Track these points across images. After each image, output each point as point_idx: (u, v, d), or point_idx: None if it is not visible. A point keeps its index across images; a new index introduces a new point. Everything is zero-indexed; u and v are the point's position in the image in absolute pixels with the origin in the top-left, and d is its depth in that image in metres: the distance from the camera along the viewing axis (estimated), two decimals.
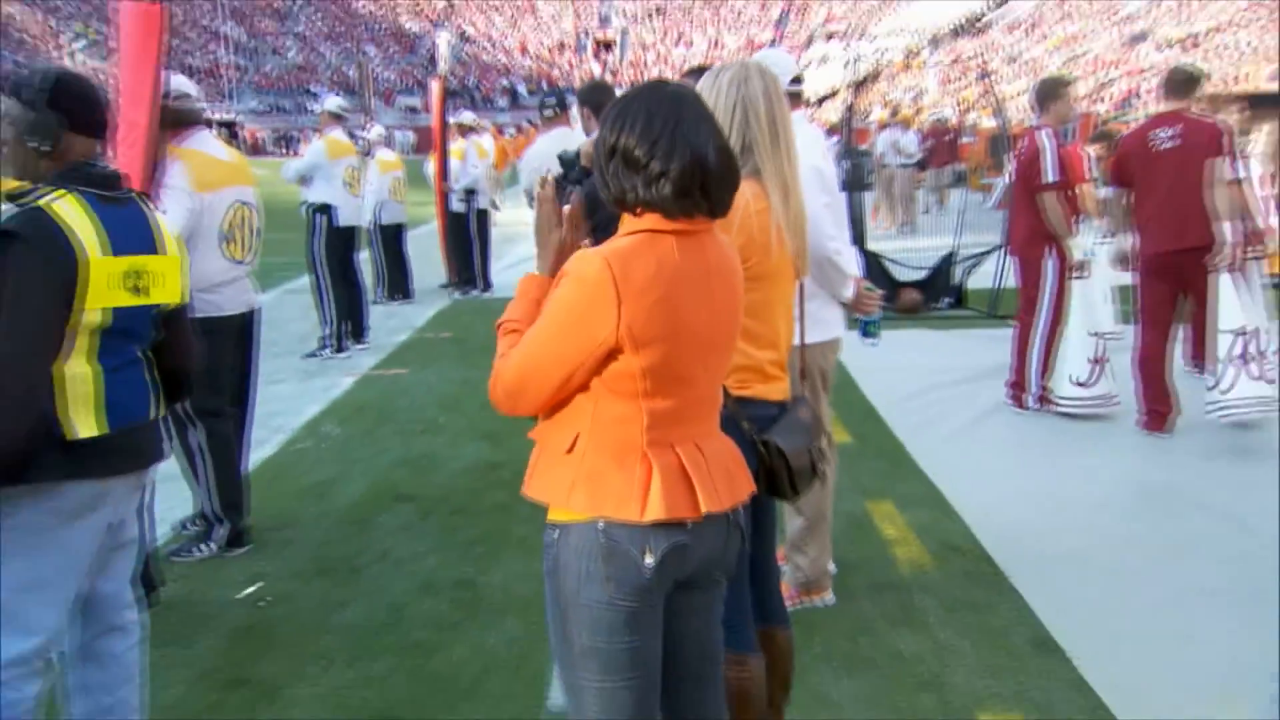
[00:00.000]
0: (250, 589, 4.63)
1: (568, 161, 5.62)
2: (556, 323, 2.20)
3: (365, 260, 10.68)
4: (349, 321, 9.73)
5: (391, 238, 12.13)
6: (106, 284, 2.73)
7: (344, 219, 9.56)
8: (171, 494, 5.43)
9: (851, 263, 4.10)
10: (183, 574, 4.79)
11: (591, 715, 2.30)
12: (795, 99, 4.04)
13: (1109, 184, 7.16)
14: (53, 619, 2.80)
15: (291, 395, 8.07)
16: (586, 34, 68.34)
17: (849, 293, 4.05)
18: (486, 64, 65.72)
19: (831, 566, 4.60)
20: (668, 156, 2.18)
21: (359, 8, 71.24)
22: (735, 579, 2.93)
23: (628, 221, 2.26)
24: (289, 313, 11.43)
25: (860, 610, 4.39)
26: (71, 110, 2.83)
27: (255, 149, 55.30)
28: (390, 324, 11.00)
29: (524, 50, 67.06)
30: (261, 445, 6.69)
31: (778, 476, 2.91)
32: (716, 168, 2.22)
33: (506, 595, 4.53)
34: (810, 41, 62.09)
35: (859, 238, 11.06)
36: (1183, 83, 6.66)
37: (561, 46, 66.96)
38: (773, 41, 64.00)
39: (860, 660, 3.99)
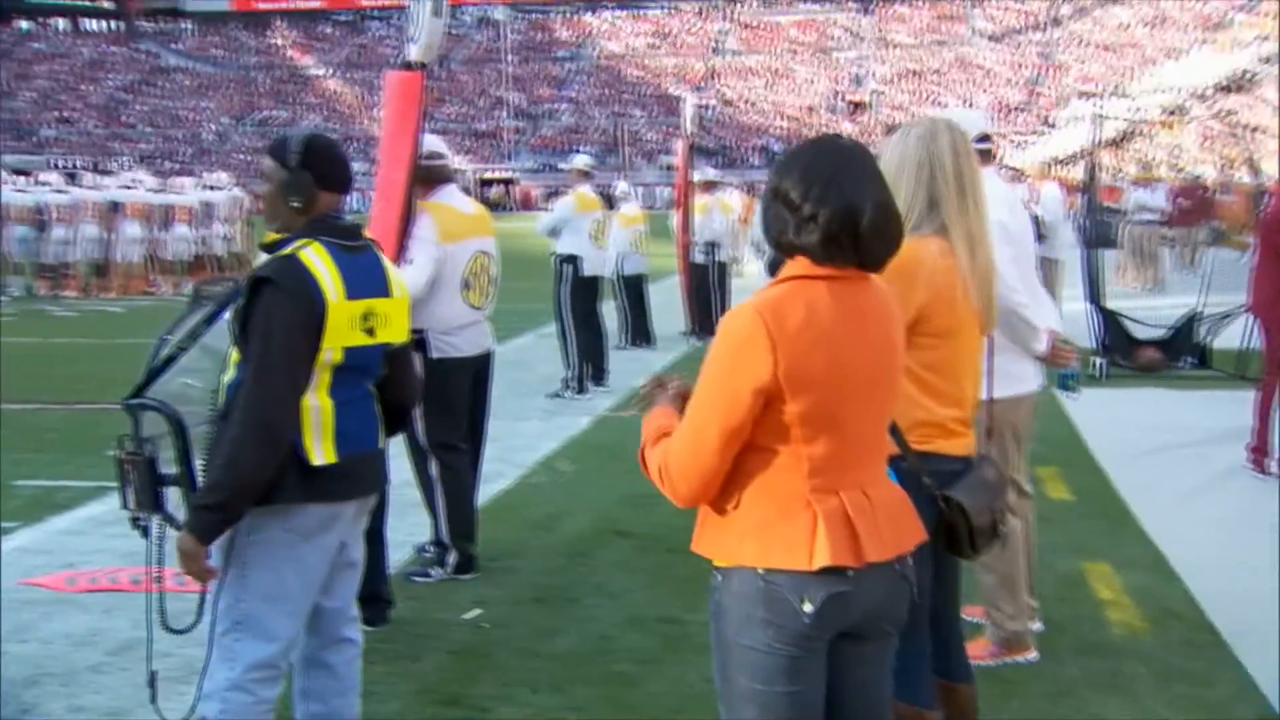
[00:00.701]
0: (473, 613, 4.95)
1: None
2: (714, 378, 2.27)
3: (612, 308, 11.12)
4: (590, 365, 10.18)
5: (633, 287, 12.58)
6: (345, 325, 3.04)
7: (589, 269, 10.06)
8: (417, 520, 5.85)
9: (1041, 315, 4.09)
10: (415, 595, 5.17)
11: None
12: (984, 156, 4.09)
13: None
14: (290, 628, 3.10)
15: (532, 433, 8.52)
16: (839, 96, 68.44)
17: (1040, 346, 4.05)
18: (743, 125, 66.82)
19: (1038, 625, 4.53)
20: (820, 202, 2.25)
21: (627, 74, 73.99)
22: (913, 631, 2.97)
23: (786, 267, 2.35)
24: (540, 355, 12.02)
25: (1064, 673, 4.29)
26: (321, 170, 3.13)
27: (526, 204, 58.25)
28: (631, 368, 11.38)
29: (780, 113, 67.81)
30: (500, 479, 7.12)
31: (957, 533, 2.92)
32: (870, 222, 2.26)
33: (709, 634, 4.66)
34: (1064, 101, 59.90)
35: (1095, 294, 10.74)
36: None
37: (813, 109, 67.28)
38: (1025, 103, 62.31)
39: None
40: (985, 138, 4.18)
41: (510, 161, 65.92)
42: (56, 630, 4.77)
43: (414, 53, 5.36)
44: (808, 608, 2.26)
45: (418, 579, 5.35)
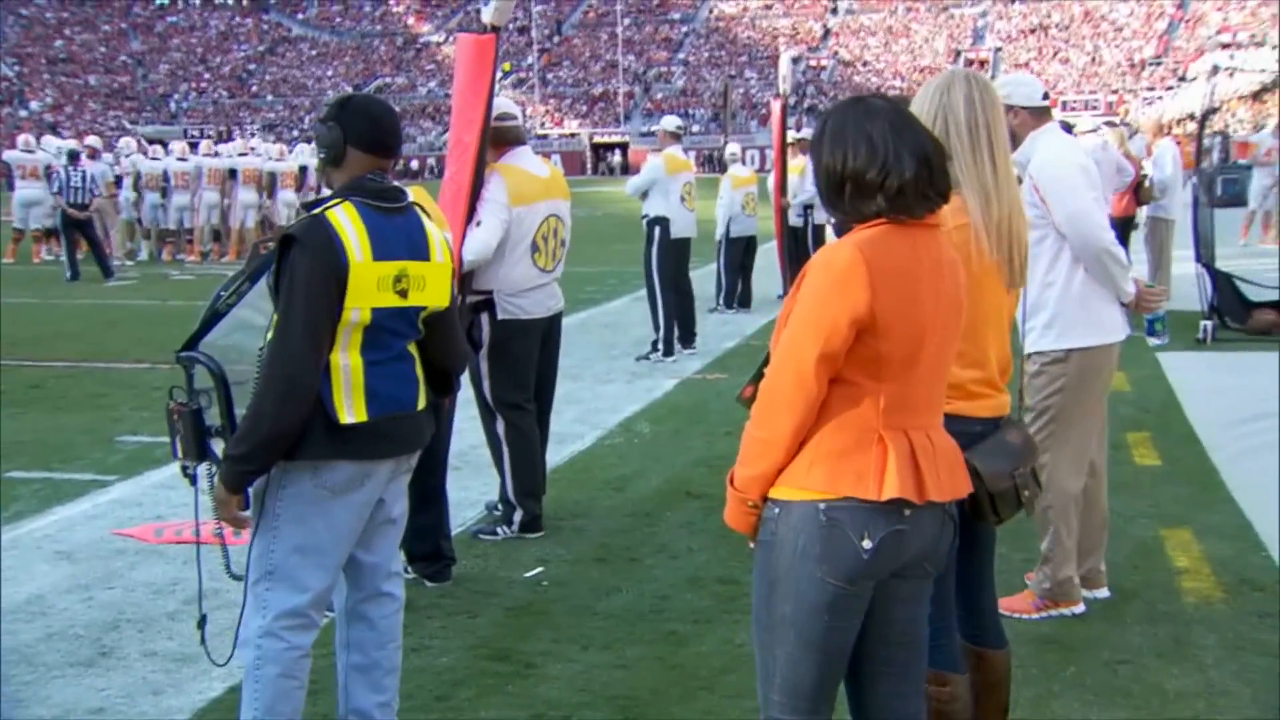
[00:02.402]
0: (534, 571, 5.00)
1: None
2: (813, 308, 2.32)
3: (706, 271, 11.00)
4: (680, 327, 10.15)
5: (740, 250, 12.48)
6: (372, 286, 3.04)
7: (678, 231, 9.98)
8: (490, 480, 5.92)
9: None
10: (481, 553, 5.25)
11: (777, 682, 2.45)
12: (1044, 114, 4.01)
13: None
14: (320, 581, 3.15)
15: (616, 395, 8.55)
16: (958, 54, 66.63)
17: (1131, 288, 4.04)
18: (859, 86, 65.54)
19: (1104, 592, 4.46)
20: (900, 168, 2.32)
21: (741, 36, 73.19)
22: (940, 598, 2.92)
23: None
24: (632, 318, 12.05)
25: (1127, 639, 4.17)
26: (352, 127, 3.13)
27: (638, 168, 58.21)
28: (723, 330, 11.35)
29: (896, 73, 66.35)
30: (577, 440, 7.18)
31: (977, 499, 2.84)
32: (938, 162, 2.38)
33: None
34: (1200, 53, 57.15)
35: (1207, 256, 10.31)
36: None
37: (932, 69, 65.60)
38: (1157, 56, 59.83)
39: (1116, 691, 3.80)
40: (1044, 96, 4.12)
41: (623, 125, 65.89)
42: (140, 579, 4.97)
43: (486, 15, 5.38)
44: (867, 544, 2.32)
45: (485, 537, 5.42)
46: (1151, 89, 57.37)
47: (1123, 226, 12.18)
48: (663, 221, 9.92)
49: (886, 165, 2.32)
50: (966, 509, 2.86)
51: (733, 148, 13.82)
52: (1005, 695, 3.13)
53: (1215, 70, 13.45)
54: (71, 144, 19.32)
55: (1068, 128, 10.40)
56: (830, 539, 2.33)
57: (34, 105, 68.42)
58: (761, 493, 2.42)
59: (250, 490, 3.12)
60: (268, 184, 19.29)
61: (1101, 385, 4.19)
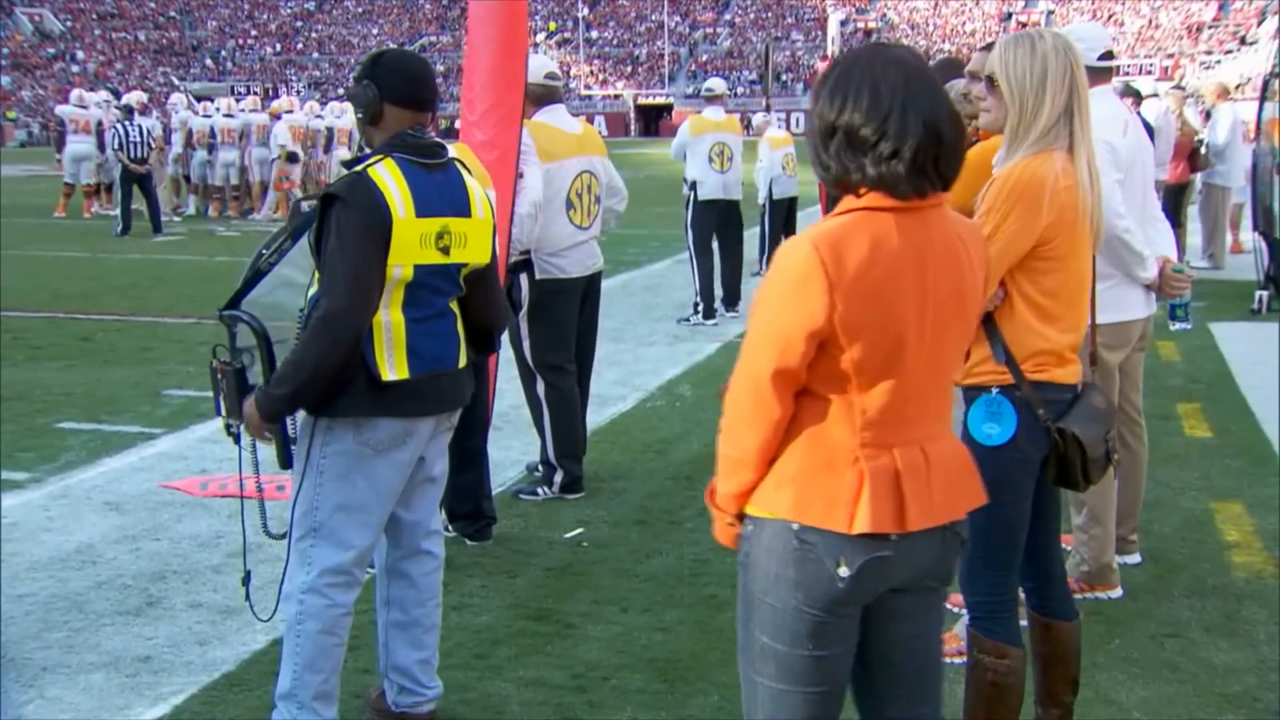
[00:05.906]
0: (574, 532, 5.00)
1: None
2: (767, 319, 2.08)
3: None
4: (724, 290, 10.07)
5: (784, 211, 12.36)
6: (415, 243, 3.04)
7: (706, 193, 9.86)
8: (530, 440, 5.92)
9: (1151, 242, 3.88)
10: (521, 513, 5.25)
11: (760, 716, 2.20)
12: (1104, 74, 3.88)
13: None
14: (364, 538, 3.16)
15: (657, 357, 8.53)
16: (1009, 15, 65.41)
17: (1147, 273, 3.87)
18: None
19: (1135, 558, 4.42)
20: (900, 134, 2.00)
21: None
22: (1000, 568, 2.86)
23: (846, 200, 2.10)
24: (674, 281, 12.00)
25: (1174, 613, 4.11)
26: (387, 83, 3.11)
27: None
28: None
29: (944, 35, 65.26)
30: (619, 402, 7.16)
31: (1071, 466, 2.81)
32: (950, 139, 2.04)
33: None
34: (1263, 17, 55.74)
35: (1265, 224, 10.09)
36: None
37: (977, 32, 64.48)
38: (1214, 20, 58.46)
39: (1161, 665, 3.75)
40: (1109, 54, 3.98)
41: (668, 86, 65.45)
42: (185, 531, 5.02)
43: None
44: (844, 571, 2.07)
45: (525, 497, 5.42)
46: (1209, 53, 56.14)
47: (1177, 193, 11.97)
48: (695, 184, 9.87)
49: (887, 123, 2.00)
50: (1051, 477, 2.82)
51: (759, 116, 13.89)
52: (1074, 668, 3.08)
53: None
54: (132, 96, 19.38)
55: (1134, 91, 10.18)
56: (804, 563, 2.07)
57: (79, 55, 68.95)
58: (739, 509, 2.19)
59: (293, 450, 3.14)
60: (325, 141, 19.38)
61: (1114, 361, 4.04)
